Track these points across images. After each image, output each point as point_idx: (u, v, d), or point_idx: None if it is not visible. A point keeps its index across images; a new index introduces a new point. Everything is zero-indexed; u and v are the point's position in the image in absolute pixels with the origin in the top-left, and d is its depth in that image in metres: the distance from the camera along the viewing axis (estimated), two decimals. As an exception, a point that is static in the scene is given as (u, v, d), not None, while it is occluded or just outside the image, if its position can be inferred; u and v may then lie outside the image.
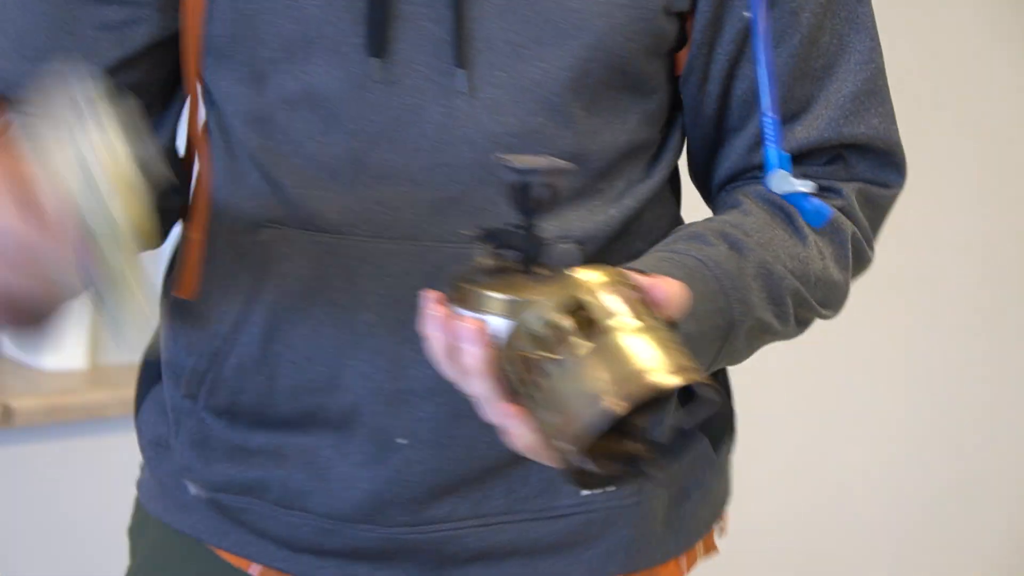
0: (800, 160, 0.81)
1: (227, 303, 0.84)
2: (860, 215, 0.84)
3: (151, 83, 0.83)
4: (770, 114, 0.78)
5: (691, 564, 0.91)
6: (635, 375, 0.61)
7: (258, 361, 0.83)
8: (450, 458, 0.82)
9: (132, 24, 0.80)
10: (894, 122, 0.85)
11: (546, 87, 0.78)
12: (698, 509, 0.91)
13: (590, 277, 0.64)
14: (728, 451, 0.95)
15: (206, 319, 0.85)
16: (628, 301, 0.64)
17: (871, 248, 0.87)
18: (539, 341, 0.62)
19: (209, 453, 0.86)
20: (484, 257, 0.67)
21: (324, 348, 0.81)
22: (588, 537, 0.85)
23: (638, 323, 0.62)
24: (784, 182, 0.78)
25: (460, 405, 0.77)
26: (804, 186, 0.78)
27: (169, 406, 0.88)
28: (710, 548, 0.93)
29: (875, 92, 0.83)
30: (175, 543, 0.89)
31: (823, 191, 0.81)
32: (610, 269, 0.65)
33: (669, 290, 0.65)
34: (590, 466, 0.64)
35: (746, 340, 0.79)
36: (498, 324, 0.63)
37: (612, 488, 0.73)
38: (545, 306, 0.62)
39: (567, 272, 0.65)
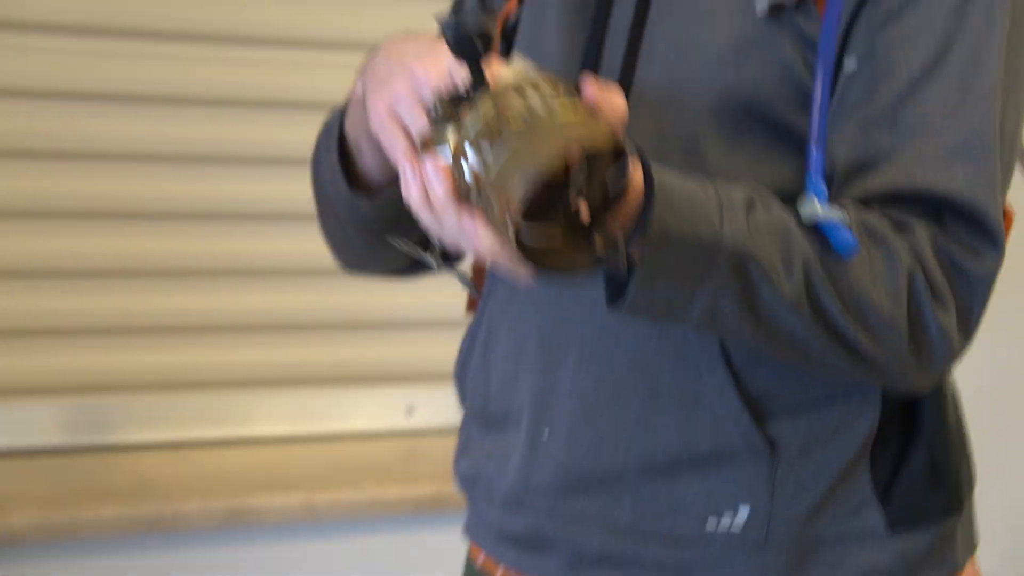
0: (893, 203, 0.84)
1: (472, 323, 1.04)
2: (931, 262, 0.83)
3: None
4: (814, 145, 0.84)
5: None
6: (556, 141, 0.67)
7: (481, 365, 1.01)
8: (578, 455, 0.92)
9: None
10: (990, 188, 0.84)
11: (682, 129, 0.88)
12: None
13: (525, 75, 0.72)
14: (930, 537, 0.95)
15: (467, 333, 1.05)
16: (552, 93, 0.71)
17: (946, 311, 0.84)
18: (478, 140, 0.69)
19: (464, 453, 1.05)
20: (439, 109, 0.74)
21: (510, 354, 0.98)
22: (706, 565, 0.91)
23: (562, 103, 0.69)
24: (812, 208, 0.82)
25: (590, 408, 0.91)
26: (832, 214, 0.81)
27: (463, 418, 1.07)
28: None
29: (968, 151, 0.83)
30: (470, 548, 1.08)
31: (897, 225, 0.83)
32: (543, 74, 0.72)
33: (598, 91, 0.72)
34: (529, 236, 0.70)
35: (740, 280, 0.80)
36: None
37: (573, 273, 0.76)
38: (481, 109, 0.70)
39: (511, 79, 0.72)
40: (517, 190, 0.67)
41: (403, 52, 0.83)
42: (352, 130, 0.92)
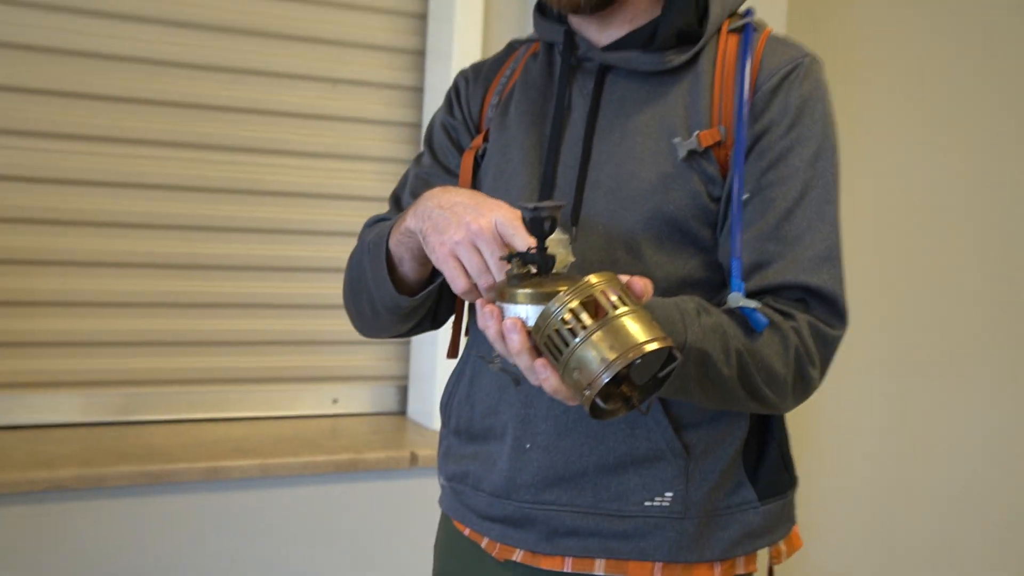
0: (776, 294, 0.99)
1: (457, 367, 1.17)
2: (808, 339, 0.98)
3: None
4: (736, 258, 0.99)
5: (727, 572, 1.07)
6: (633, 344, 0.75)
7: (466, 396, 1.14)
8: (555, 460, 1.05)
9: None
10: (840, 284, 1.01)
11: (624, 234, 1.01)
12: (736, 537, 1.07)
13: (596, 279, 0.78)
14: (781, 503, 1.09)
15: (452, 374, 1.17)
16: (619, 293, 0.78)
17: (814, 368, 0.99)
18: (564, 323, 0.77)
19: (446, 459, 1.17)
20: (514, 269, 0.82)
21: (493, 389, 1.10)
22: (644, 533, 1.04)
23: (628, 308, 0.77)
24: (738, 300, 0.97)
25: (562, 428, 1.03)
26: (751, 303, 0.96)
27: (441, 434, 1.23)
28: (750, 567, 1.09)
29: (829, 259, 1.00)
30: (446, 521, 1.21)
31: (783, 315, 0.98)
32: (604, 272, 0.80)
33: (642, 283, 0.84)
34: (600, 404, 0.79)
35: (695, 368, 0.92)
36: (530, 311, 0.80)
37: (616, 416, 0.81)
38: (567, 300, 0.77)
39: (578, 276, 0.80)
40: (603, 377, 0.75)
41: (453, 204, 0.92)
42: (397, 248, 1.02)
